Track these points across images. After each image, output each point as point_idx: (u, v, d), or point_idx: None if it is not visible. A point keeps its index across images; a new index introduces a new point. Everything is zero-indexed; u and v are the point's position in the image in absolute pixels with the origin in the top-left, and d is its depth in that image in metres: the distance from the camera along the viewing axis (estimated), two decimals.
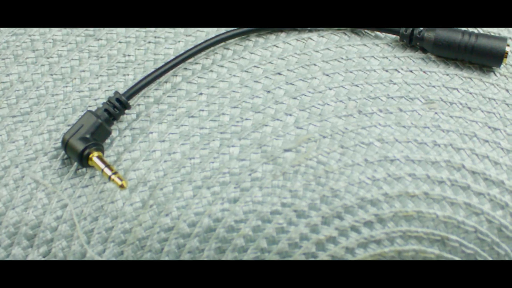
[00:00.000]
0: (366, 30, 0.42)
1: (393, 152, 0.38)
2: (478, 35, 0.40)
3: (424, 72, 0.41)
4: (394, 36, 0.42)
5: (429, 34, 0.40)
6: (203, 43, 0.41)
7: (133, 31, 0.43)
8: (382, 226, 0.37)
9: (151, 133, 0.39)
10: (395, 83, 0.40)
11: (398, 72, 0.41)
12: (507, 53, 0.40)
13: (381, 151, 0.38)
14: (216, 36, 0.41)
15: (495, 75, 0.41)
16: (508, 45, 0.40)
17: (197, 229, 0.38)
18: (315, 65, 0.41)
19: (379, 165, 0.38)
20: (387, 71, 0.41)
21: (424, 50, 0.42)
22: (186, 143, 0.39)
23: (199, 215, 0.38)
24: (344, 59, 0.41)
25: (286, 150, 0.39)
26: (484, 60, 0.40)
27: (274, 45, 0.42)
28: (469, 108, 0.40)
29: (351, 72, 0.41)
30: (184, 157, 0.39)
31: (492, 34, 0.41)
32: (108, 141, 0.39)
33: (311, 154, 0.38)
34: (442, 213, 0.37)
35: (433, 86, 0.40)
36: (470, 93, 0.40)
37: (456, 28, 0.41)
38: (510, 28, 0.42)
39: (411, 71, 0.41)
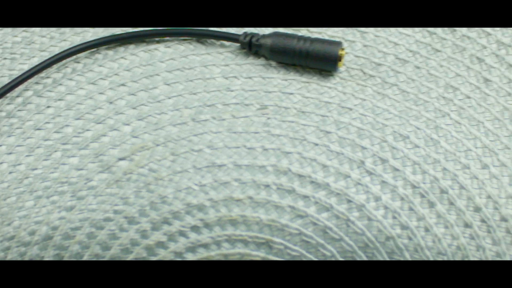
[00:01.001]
0: (211, 40, 0.43)
1: (221, 158, 0.39)
2: (313, 40, 0.41)
3: (263, 78, 0.42)
4: (238, 44, 0.43)
5: (266, 40, 0.41)
6: (52, 58, 0.43)
7: None
8: (209, 231, 0.39)
9: (0, 146, 0.41)
10: (232, 91, 0.41)
11: (238, 79, 0.42)
12: (341, 57, 0.40)
13: (210, 157, 0.40)
14: (66, 50, 0.43)
15: (335, 78, 0.42)
16: (343, 49, 0.41)
17: (36, 237, 0.39)
18: (158, 75, 0.42)
19: (207, 171, 0.39)
20: (227, 78, 0.42)
21: (266, 57, 0.42)
22: (31, 154, 0.41)
23: (39, 224, 0.39)
24: (187, 69, 0.42)
25: (120, 159, 0.40)
26: (320, 64, 0.41)
27: (122, 57, 0.43)
28: (303, 112, 0.41)
29: (191, 81, 0.42)
30: (28, 168, 0.41)
31: (329, 38, 0.42)
32: None
33: (143, 162, 0.40)
34: (266, 217, 0.38)
35: (270, 92, 0.41)
36: (307, 98, 0.41)
37: (292, 34, 0.41)
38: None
39: (250, 78, 0.42)
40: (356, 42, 0.43)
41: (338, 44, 0.41)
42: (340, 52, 0.41)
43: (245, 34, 0.42)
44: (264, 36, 0.42)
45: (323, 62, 0.41)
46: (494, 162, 0.40)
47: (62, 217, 0.39)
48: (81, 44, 0.43)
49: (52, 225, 0.39)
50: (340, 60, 0.41)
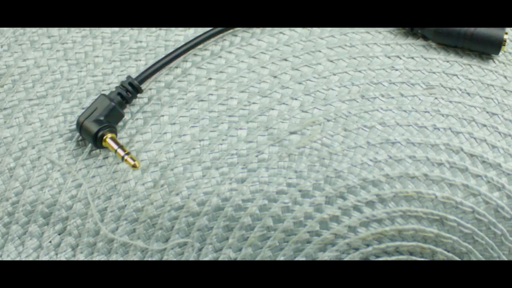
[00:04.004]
0: None
1: (394, 135, 0.40)
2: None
3: (425, 59, 0.42)
4: None
5: None
6: (212, 30, 0.42)
7: None
8: (383, 206, 0.39)
9: (162, 116, 0.41)
10: (396, 69, 0.42)
11: (400, 58, 0.42)
12: (505, 41, 0.41)
13: (383, 134, 0.40)
14: None
15: (494, 62, 0.43)
16: (506, 33, 0.42)
17: (206, 207, 0.39)
18: (320, 51, 0.43)
19: (380, 148, 0.40)
20: (389, 57, 0.42)
21: (425, 38, 0.43)
22: (195, 125, 0.41)
23: (208, 195, 0.39)
24: (348, 46, 0.43)
25: (291, 133, 0.40)
26: (483, 47, 0.42)
27: (280, 32, 0.43)
28: (468, 93, 0.41)
29: (354, 58, 0.42)
30: (194, 139, 0.40)
31: None
32: (121, 123, 0.41)
33: (315, 136, 0.40)
34: (441, 194, 0.39)
35: (434, 73, 0.42)
36: (469, 79, 0.42)
37: None
38: None
39: (412, 58, 0.42)
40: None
41: (502, 28, 0.42)
42: (505, 36, 0.41)
43: None
44: None
45: (486, 45, 0.42)
46: None
47: (233, 189, 0.39)
48: None
49: (223, 196, 0.39)
50: (504, 44, 0.42)
